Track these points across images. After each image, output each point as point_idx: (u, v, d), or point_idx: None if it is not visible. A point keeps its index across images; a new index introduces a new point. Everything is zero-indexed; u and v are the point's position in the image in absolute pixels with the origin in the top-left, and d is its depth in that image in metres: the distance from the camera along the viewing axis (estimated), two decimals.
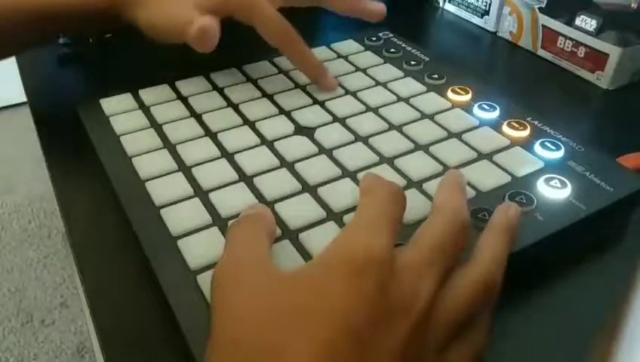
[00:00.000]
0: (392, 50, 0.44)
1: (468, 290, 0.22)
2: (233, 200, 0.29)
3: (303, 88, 0.39)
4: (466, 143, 0.33)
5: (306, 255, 0.26)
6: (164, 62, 0.44)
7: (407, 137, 0.34)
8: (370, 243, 0.21)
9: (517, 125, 0.34)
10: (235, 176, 0.31)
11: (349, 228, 0.22)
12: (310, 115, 0.36)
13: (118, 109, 0.36)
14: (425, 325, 0.20)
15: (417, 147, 0.33)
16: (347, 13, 0.41)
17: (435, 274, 0.21)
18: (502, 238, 0.25)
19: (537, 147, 0.33)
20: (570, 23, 0.46)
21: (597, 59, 0.45)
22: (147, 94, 0.38)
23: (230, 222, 0.26)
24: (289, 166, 0.32)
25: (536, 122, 0.35)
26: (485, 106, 0.36)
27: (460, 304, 0.22)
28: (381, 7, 0.41)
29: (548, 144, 0.33)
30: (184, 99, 0.38)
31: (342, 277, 0.20)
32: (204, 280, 0.25)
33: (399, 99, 0.38)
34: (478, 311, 0.23)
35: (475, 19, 0.56)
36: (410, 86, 0.39)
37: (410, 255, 0.22)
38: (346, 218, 0.28)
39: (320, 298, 0.19)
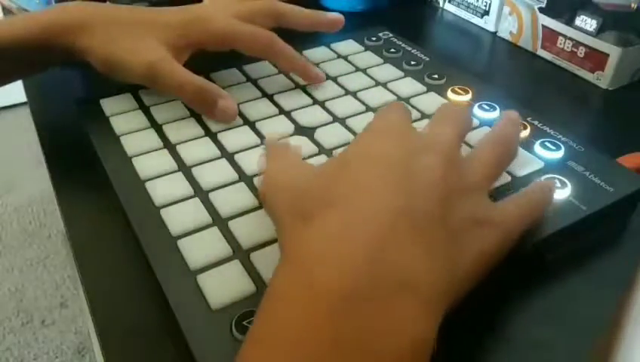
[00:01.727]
0: (392, 50, 0.44)
1: (489, 144, 0.27)
2: (233, 200, 0.29)
3: (303, 88, 0.39)
4: (466, 143, 0.33)
5: None
6: None
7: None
8: (392, 117, 0.26)
9: None
10: (235, 176, 0.31)
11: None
12: (310, 115, 0.36)
13: (118, 109, 0.36)
14: (455, 162, 0.24)
15: None
16: (305, 29, 0.41)
17: (451, 129, 0.26)
18: (508, 124, 0.29)
19: (537, 147, 0.33)
20: (570, 23, 0.46)
21: (597, 59, 0.45)
22: (147, 94, 0.38)
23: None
24: None
25: (536, 122, 0.35)
26: (485, 106, 0.36)
27: (486, 153, 0.26)
28: (338, 18, 0.42)
29: (548, 144, 0.33)
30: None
31: (373, 135, 0.25)
32: (204, 280, 0.25)
33: (399, 99, 0.38)
34: (505, 168, 0.28)
35: (475, 19, 0.56)
36: (410, 86, 0.39)
37: (427, 125, 0.27)
38: None
39: (357, 150, 0.24)
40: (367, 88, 0.39)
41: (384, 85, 0.40)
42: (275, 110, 0.37)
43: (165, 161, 0.32)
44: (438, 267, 0.21)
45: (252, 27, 0.37)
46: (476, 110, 0.36)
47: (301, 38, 0.43)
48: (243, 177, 0.31)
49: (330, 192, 0.22)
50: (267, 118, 0.36)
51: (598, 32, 0.44)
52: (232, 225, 0.28)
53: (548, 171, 0.31)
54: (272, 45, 0.37)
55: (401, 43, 0.45)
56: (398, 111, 0.27)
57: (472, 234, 0.23)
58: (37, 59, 0.37)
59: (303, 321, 0.18)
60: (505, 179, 0.31)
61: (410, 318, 0.19)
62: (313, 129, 0.35)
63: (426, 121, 0.36)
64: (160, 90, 0.36)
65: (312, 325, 0.18)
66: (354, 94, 0.38)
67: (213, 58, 0.38)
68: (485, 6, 0.54)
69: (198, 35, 0.37)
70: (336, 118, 0.36)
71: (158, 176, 0.31)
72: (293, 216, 0.22)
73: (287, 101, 0.37)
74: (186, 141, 0.34)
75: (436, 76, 0.40)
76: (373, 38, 0.45)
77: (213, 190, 0.30)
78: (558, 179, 0.30)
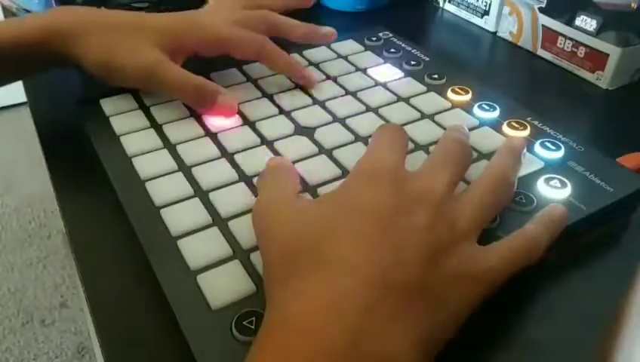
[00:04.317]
0: (392, 50, 0.44)
1: (485, 183, 0.26)
2: (233, 200, 0.29)
3: (303, 88, 0.39)
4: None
5: None
6: None
7: (408, 137, 0.34)
8: (385, 158, 0.25)
9: (517, 125, 0.34)
10: (235, 176, 0.31)
11: (364, 154, 0.27)
12: (310, 115, 0.36)
13: (118, 109, 0.36)
14: (445, 212, 0.24)
15: (417, 147, 0.33)
16: (299, 41, 0.41)
17: (448, 172, 0.25)
18: (509, 155, 0.28)
19: (537, 147, 0.33)
20: (570, 23, 0.46)
21: (597, 59, 0.45)
22: (147, 94, 0.38)
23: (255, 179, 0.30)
24: None
25: (536, 122, 0.35)
26: (485, 106, 0.36)
27: (479, 193, 0.26)
28: (330, 31, 0.42)
29: (548, 144, 0.33)
30: None
31: (364, 181, 0.24)
32: (204, 280, 0.25)
33: (399, 99, 0.38)
34: (501, 208, 0.27)
35: (475, 19, 0.56)
36: (410, 86, 0.39)
37: (424, 164, 0.26)
38: None
39: (347, 198, 0.24)
40: (367, 88, 0.39)
41: (384, 85, 0.40)
42: (275, 110, 0.37)
43: (165, 161, 0.32)
44: (416, 343, 0.20)
45: (245, 32, 0.37)
46: (476, 110, 0.36)
47: None
48: (243, 177, 0.31)
49: (318, 249, 0.22)
50: (267, 118, 0.36)
51: (598, 32, 0.44)
52: (232, 225, 0.28)
53: (548, 171, 0.31)
54: (265, 49, 0.38)
55: (401, 43, 0.45)
56: (392, 140, 0.27)
57: (456, 291, 0.22)
58: (32, 62, 0.37)
59: None
60: None
61: None
62: (313, 129, 0.35)
63: (426, 121, 0.36)
64: (158, 92, 0.36)
65: None
66: (354, 94, 0.38)
67: (213, 58, 0.38)
68: (485, 6, 0.54)
69: (192, 41, 0.37)
70: (336, 118, 0.36)
71: (158, 176, 0.31)
72: (282, 266, 0.22)
73: (287, 101, 0.37)
74: (186, 141, 0.34)
75: (436, 76, 0.40)
76: (374, 38, 0.45)
77: (213, 190, 0.30)
78: (558, 179, 0.30)
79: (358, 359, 0.19)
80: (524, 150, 0.29)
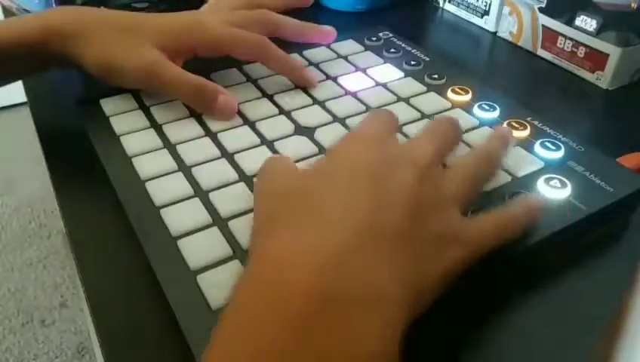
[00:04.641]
0: (392, 50, 0.44)
1: (471, 159, 0.27)
2: (233, 200, 0.29)
3: (303, 88, 0.39)
4: (467, 144, 0.33)
5: None
6: None
7: (408, 137, 0.34)
8: (375, 127, 0.27)
9: (517, 125, 0.34)
10: (235, 176, 0.31)
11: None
12: (310, 115, 0.36)
13: (118, 109, 0.36)
14: (431, 176, 0.24)
15: None
16: (298, 40, 0.41)
17: (435, 144, 0.26)
18: (497, 140, 0.29)
19: (537, 147, 0.33)
20: (570, 23, 0.46)
21: (597, 59, 0.45)
22: (147, 94, 0.38)
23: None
24: None
25: (536, 122, 0.35)
26: (485, 106, 0.36)
27: (465, 166, 0.27)
28: (329, 30, 0.42)
29: (548, 144, 0.33)
30: None
31: (353, 143, 0.25)
32: (204, 280, 0.25)
33: (399, 99, 0.38)
34: (484, 184, 0.28)
35: (475, 20, 0.56)
36: (410, 86, 0.39)
37: (413, 137, 0.27)
38: None
39: (336, 158, 0.25)
40: (367, 88, 0.39)
41: (384, 85, 0.40)
42: (275, 110, 0.37)
43: (165, 161, 0.32)
44: (402, 283, 0.21)
45: (244, 32, 0.37)
46: (476, 110, 0.36)
47: None
48: (243, 177, 0.31)
49: (305, 202, 0.23)
50: (267, 118, 0.36)
51: (598, 32, 0.44)
52: (232, 225, 0.28)
53: (548, 171, 0.31)
54: (264, 49, 0.38)
55: (401, 43, 0.45)
56: (383, 120, 0.28)
57: (438, 252, 0.23)
58: (32, 62, 0.37)
59: (265, 328, 0.18)
60: (505, 179, 0.31)
61: (371, 332, 0.19)
62: (313, 129, 0.35)
63: (426, 121, 0.36)
64: (158, 92, 0.36)
65: (274, 332, 0.18)
66: (354, 94, 0.38)
67: (213, 58, 0.38)
68: (485, 6, 0.54)
69: (191, 41, 0.37)
70: (336, 118, 0.36)
71: (158, 176, 0.31)
72: (267, 221, 0.23)
73: (287, 101, 0.37)
74: (186, 141, 0.34)
75: (436, 76, 0.40)
76: (374, 38, 0.45)
77: (213, 190, 0.30)
78: (558, 179, 0.30)
79: (345, 282, 0.19)
80: (512, 141, 0.30)
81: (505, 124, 0.35)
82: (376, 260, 0.21)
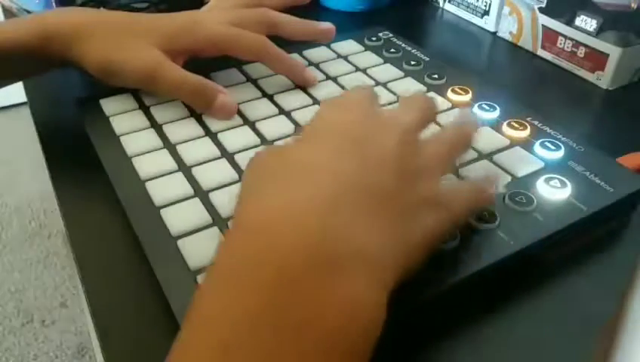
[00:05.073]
0: (392, 50, 0.44)
1: (447, 131, 0.28)
2: (233, 200, 0.29)
3: (303, 88, 0.39)
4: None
5: None
6: None
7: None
8: (354, 95, 0.27)
9: (517, 125, 0.34)
10: (235, 176, 0.31)
11: None
12: (310, 115, 0.36)
13: (118, 109, 0.36)
14: (411, 142, 0.25)
15: None
16: (298, 39, 0.41)
17: (413, 114, 0.26)
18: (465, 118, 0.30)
19: (537, 147, 0.33)
20: (570, 23, 0.46)
21: (597, 59, 0.45)
22: (147, 94, 0.38)
23: None
24: None
25: (536, 122, 0.35)
26: (485, 106, 0.36)
27: (444, 136, 0.27)
28: (329, 28, 0.42)
29: (548, 144, 0.33)
30: None
31: (335, 108, 0.26)
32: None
33: (399, 99, 0.38)
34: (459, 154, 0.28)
35: (475, 20, 0.56)
36: (410, 86, 0.39)
37: (391, 110, 0.27)
38: None
39: (319, 123, 0.25)
40: None
41: (384, 85, 0.40)
42: (275, 110, 0.37)
43: (165, 161, 0.32)
44: (389, 239, 0.21)
45: (244, 32, 0.37)
46: (476, 110, 0.36)
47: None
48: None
49: (292, 165, 0.23)
50: (267, 118, 0.36)
51: (598, 32, 0.44)
52: None
53: (548, 171, 0.31)
54: (264, 49, 0.38)
55: (401, 43, 0.45)
56: (364, 91, 0.28)
57: (422, 213, 0.23)
58: (32, 64, 0.37)
59: (246, 289, 0.18)
60: (505, 179, 0.31)
61: (359, 285, 0.19)
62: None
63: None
64: (158, 92, 0.36)
65: (254, 294, 0.18)
66: None
67: (213, 58, 0.38)
68: (485, 6, 0.54)
69: (191, 41, 0.37)
70: None
71: (158, 176, 0.31)
72: (254, 187, 0.23)
73: (287, 101, 0.37)
74: (186, 141, 0.34)
75: (436, 76, 0.40)
76: (373, 38, 0.45)
77: (213, 190, 0.30)
78: (558, 179, 0.30)
79: (333, 236, 0.20)
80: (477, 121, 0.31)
81: (505, 124, 0.35)
82: (365, 220, 0.21)
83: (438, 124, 0.35)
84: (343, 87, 0.39)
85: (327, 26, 0.42)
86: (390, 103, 0.38)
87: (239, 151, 0.33)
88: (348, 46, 0.44)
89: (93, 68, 0.35)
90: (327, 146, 0.23)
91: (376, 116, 0.26)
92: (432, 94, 0.38)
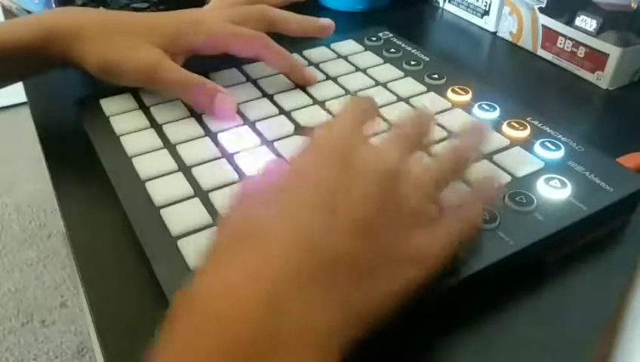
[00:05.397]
0: (392, 50, 0.44)
1: (440, 159, 0.26)
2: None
3: (303, 88, 0.39)
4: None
5: None
6: None
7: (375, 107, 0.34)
8: (336, 131, 0.25)
9: (517, 125, 0.34)
10: (235, 176, 0.31)
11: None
12: (310, 115, 0.36)
13: (118, 109, 0.36)
14: (394, 187, 0.23)
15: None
16: (298, 35, 0.41)
17: (399, 146, 0.25)
18: (473, 137, 0.28)
19: (537, 147, 0.33)
20: (570, 23, 0.46)
21: (597, 59, 0.45)
22: (147, 94, 0.38)
23: None
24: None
25: (536, 122, 0.35)
26: (485, 106, 0.36)
27: (433, 168, 0.25)
28: (328, 24, 0.42)
29: (548, 144, 0.33)
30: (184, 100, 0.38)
31: (310, 155, 0.24)
32: None
33: (399, 99, 0.38)
34: (454, 177, 0.26)
35: (475, 20, 0.56)
36: (410, 86, 0.39)
37: (380, 143, 0.25)
38: None
39: (295, 178, 0.23)
40: (367, 88, 0.39)
41: (384, 85, 0.40)
42: (275, 110, 0.37)
43: (165, 161, 0.32)
44: (343, 309, 0.20)
45: (243, 29, 0.37)
46: (476, 110, 0.36)
47: (301, 39, 0.43)
48: (243, 177, 0.31)
49: (252, 230, 0.21)
50: (267, 118, 0.36)
51: (598, 32, 0.44)
52: None
53: (548, 171, 0.31)
54: (264, 46, 0.38)
55: (401, 43, 0.45)
56: (348, 120, 0.26)
57: (389, 273, 0.21)
58: (33, 64, 0.37)
59: (197, 353, 0.18)
60: (505, 179, 0.31)
61: None
62: (313, 129, 0.35)
63: None
64: (158, 91, 0.36)
65: (205, 358, 0.18)
66: (354, 94, 0.38)
67: (213, 58, 0.38)
68: (485, 6, 0.54)
69: (191, 39, 0.37)
70: None
71: (158, 176, 0.31)
72: (211, 254, 0.22)
73: (287, 101, 0.37)
74: (186, 141, 0.34)
75: (436, 76, 0.40)
76: (373, 38, 0.45)
77: (213, 190, 0.30)
78: (558, 179, 0.30)
79: (281, 318, 0.18)
80: (487, 135, 0.29)
81: (505, 124, 0.35)
82: (314, 290, 0.19)
83: (440, 125, 0.35)
84: (343, 87, 0.39)
85: (326, 22, 0.42)
86: (390, 103, 0.37)
87: (239, 152, 0.33)
88: (348, 46, 0.44)
89: (94, 68, 0.35)
90: (290, 211, 0.22)
91: (356, 162, 0.23)
92: (432, 94, 0.38)
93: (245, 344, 0.18)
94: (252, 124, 0.35)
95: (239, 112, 0.36)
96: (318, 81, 0.40)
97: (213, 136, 0.34)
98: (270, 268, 0.19)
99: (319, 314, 0.19)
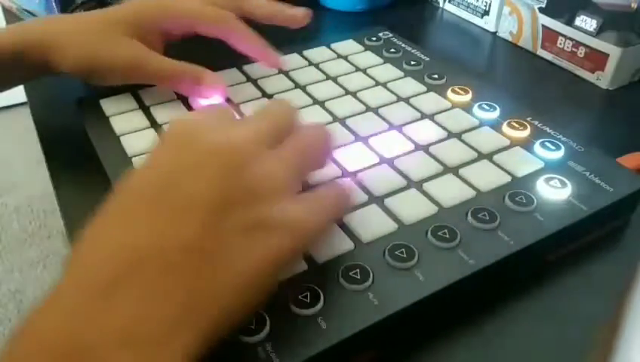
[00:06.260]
0: (392, 50, 0.44)
1: (293, 141, 0.24)
2: None
3: (303, 88, 0.39)
4: (466, 143, 0.33)
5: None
6: None
7: (407, 137, 0.34)
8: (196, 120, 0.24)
9: (517, 125, 0.34)
10: None
11: None
12: (310, 115, 0.36)
13: (118, 109, 0.36)
14: (243, 167, 0.22)
15: (417, 147, 0.33)
16: (267, 21, 0.39)
17: (260, 124, 0.24)
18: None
19: (537, 147, 0.33)
20: (570, 23, 0.46)
21: (597, 59, 0.45)
22: (147, 94, 0.38)
23: None
24: None
25: (536, 122, 0.35)
26: (485, 106, 0.36)
27: (288, 148, 0.24)
28: (300, 14, 0.39)
29: (548, 144, 0.33)
30: (184, 99, 0.38)
31: (162, 148, 0.23)
32: None
33: (399, 99, 0.38)
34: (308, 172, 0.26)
35: (475, 20, 0.56)
36: (410, 86, 0.39)
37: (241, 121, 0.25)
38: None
39: (142, 167, 0.23)
40: (367, 88, 0.39)
41: (384, 85, 0.40)
42: None
43: None
44: (190, 304, 0.19)
45: (212, 8, 0.37)
46: (476, 110, 0.36)
47: (301, 39, 0.44)
48: None
49: (90, 238, 0.21)
50: None
51: (598, 32, 0.44)
52: None
53: (548, 171, 0.31)
54: (228, 24, 0.37)
55: (401, 43, 0.45)
56: (208, 112, 0.25)
57: (247, 248, 0.20)
58: (16, 74, 0.37)
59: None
60: (505, 179, 0.31)
61: None
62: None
63: (426, 121, 0.36)
64: (144, 83, 0.37)
65: None
66: (354, 94, 0.38)
67: (212, 58, 0.38)
68: (485, 6, 0.54)
69: (160, 20, 0.37)
70: (336, 118, 0.36)
71: None
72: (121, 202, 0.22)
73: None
74: None
75: (436, 76, 0.40)
76: (373, 38, 0.45)
77: None
78: (558, 179, 0.30)
79: (103, 324, 0.17)
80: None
81: (505, 124, 0.35)
82: (148, 292, 0.18)
83: (440, 125, 0.35)
84: (343, 87, 0.39)
85: (299, 12, 0.40)
86: (390, 103, 0.37)
87: None
88: (348, 46, 0.44)
89: (75, 72, 0.35)
90: (128, 203, 0.21)
91: (203, 146, 0.22)
92: (432, 94, 0.38)
93: (62, 354, 0.17)
94: None
95: (239, 112, 0.36)
96: (318, 82, 0.40)
97: None
98: (103, 270, 0.19)
99: (143, 322, 0.18)
